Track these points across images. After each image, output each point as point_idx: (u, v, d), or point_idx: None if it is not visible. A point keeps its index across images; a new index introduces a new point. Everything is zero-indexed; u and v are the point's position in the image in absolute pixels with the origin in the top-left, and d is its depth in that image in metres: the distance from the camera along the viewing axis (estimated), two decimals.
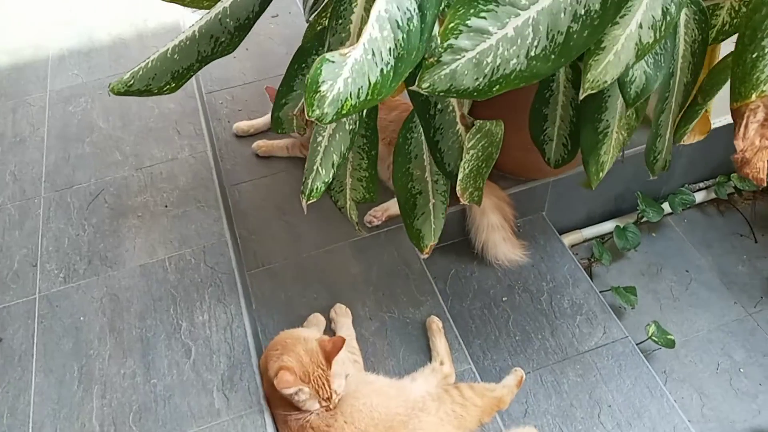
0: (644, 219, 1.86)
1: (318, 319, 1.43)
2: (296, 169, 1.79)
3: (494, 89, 0.89)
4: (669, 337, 1.60)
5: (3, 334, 1.33)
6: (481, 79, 0.88)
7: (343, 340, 1.20)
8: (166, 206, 1.55)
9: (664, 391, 1.45)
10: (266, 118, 1.91)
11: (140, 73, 1.17)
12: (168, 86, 1.20)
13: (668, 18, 0.90)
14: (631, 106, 0.95)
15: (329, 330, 1.43)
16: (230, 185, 1.71)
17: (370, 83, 0.85)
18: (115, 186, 1.61)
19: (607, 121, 1.12)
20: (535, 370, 1.48)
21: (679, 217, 1.94)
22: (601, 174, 1.18)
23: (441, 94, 0.89)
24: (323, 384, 1.15)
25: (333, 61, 0.84)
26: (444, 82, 0.88)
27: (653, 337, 1.59)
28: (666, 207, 1.89)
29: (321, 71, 0.83)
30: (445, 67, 0.87)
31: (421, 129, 1.20)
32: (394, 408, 1.21)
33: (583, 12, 0.85)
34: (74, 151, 1.70)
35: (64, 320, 1.35)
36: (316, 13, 1.31)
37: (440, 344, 1.38)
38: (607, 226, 1.90)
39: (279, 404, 1.21)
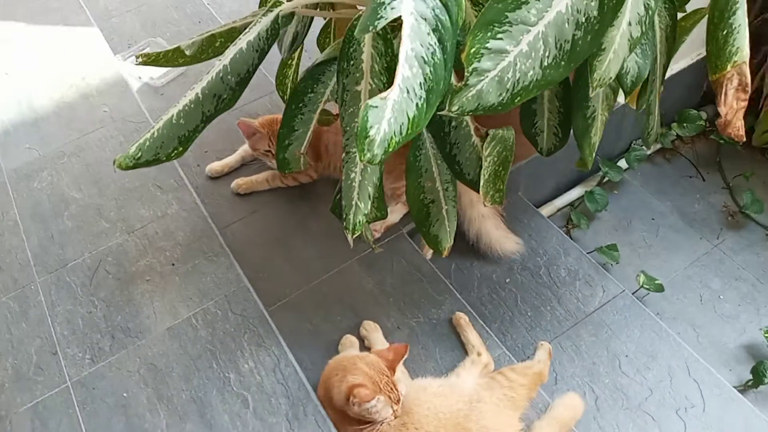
0: (606, 180, 2.02)
1: (351, 341, 1.48)
2: (280, 199, 1.82)
3: (516, 101, 0.98)
4: (657, 282, 1.76)
5: (46, 430, 1.30)
6: (504, 94, 0.96)
7: (407, 347, 1.27)
8: (173, 264, 1.55)
9: (669, 331, 1.61)
10: (237, 155, 1.92)
11: (147, 144, 1.17)
12: (176, 151, 1.20)
13: (650, 12, 1.02)
14: (629, 93, 1.07)
15: (364, 348, 1.48)
16: (220, 229, 1.71)
17: (408, 119, 0.92)
18: (112, 255, 1.58)
19: (594, 106, 1.24)
20: (553, 339, 1.60)
21: (633, 172, 2.12)
22: (593, 154, 1.30)
23: (469, 113, 0.96)
24: (392, 389, 1.21)
25: (376, 106, 0.89)
26: (472, 102, 0.95)
27: (644, 285, 1.75)
28: (622, 164, 2.07)
29: (368, 118, 0.88)
30: (471, 88, 0.94)
31: (428, 146, 1.27)
32: (455, 405, 1.29)
33: (584, 20, 0.95)
34: (56, 228, 1.65)
35: (107, 400, 1.33)
36: (291, 51, 1.35)
37: (472, 336, 1.47)
38: (575, 193, 2.05)
39: (348, 425, 1.26)
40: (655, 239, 1.98)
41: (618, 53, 1.01)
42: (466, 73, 0.95)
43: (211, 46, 1.33)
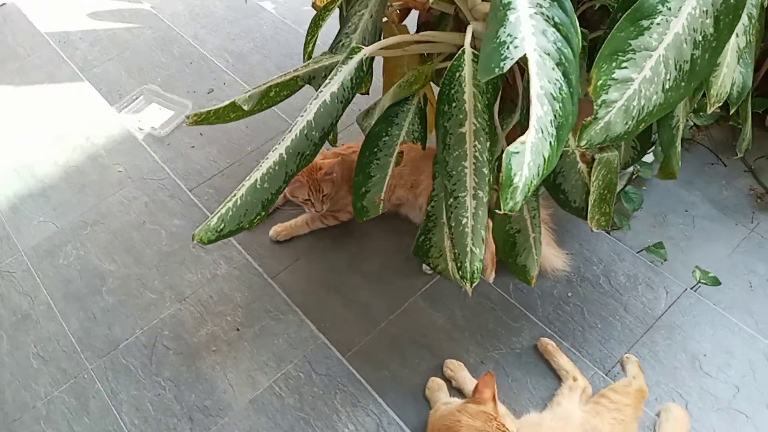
0: (635, 177, 2.02)
1: (438, 384, 1.42)
2: (322, 241, 1.74)
3: (640, 127, 0.95)
4: (711, 275, 1.77)
5: None
6: (630, 122, 0.93)
7: (492, 374, 1.20)
8: (237, 329, 1.45)
9: (739, 324, 1.62)
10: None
11: (230, 214, 1.09)
12: (258, 216, 1.12)
13: (753, 21, 1.00)
14: (735, 105, 1.05)
15: (452, 391, 1.43)
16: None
17: (544, 159, 0.87)
18: (168, 328, 1.47)
19: (677, 116, 1.22)
20: (630, 349, 1.58)
21: (657, 165, 2.13)
22: (680, 162, 1.28)
23: (596, 146, 0.93)
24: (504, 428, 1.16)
25: (517, 152, 0.84)
26: (600, 135, 0.92)
27: (701, 281, 1.75)
28: (648, 158, 2.07)
29: (511, 165, 0.83)
30: (600, 121, 0.91)
31: None
32: None
33: (701, 38, 0.92)
34: (96, 306, 1.53)
35: None
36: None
37: (563, 361, 1.43)
38: None
39: None
40: (693, 231, 1.99)
41: (730, 66, 0.99)
42: (595, 107, 0.91)
43: (266, 97, 1.25)
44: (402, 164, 1.75)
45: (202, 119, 1.27)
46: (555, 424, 1.27)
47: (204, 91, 2.24)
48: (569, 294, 1.70)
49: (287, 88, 1.23)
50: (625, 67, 0.90)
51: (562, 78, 0.89)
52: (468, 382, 1.42)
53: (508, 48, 0.87)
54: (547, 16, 0.89)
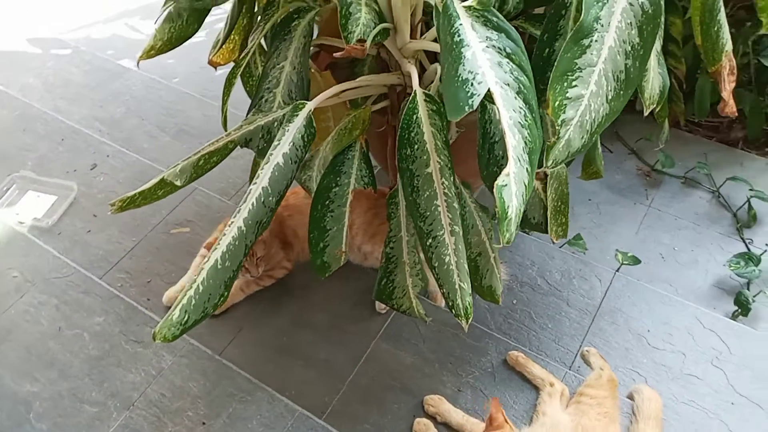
0: None
1: (425, 424, 1.39)
2: (261, 304, 1.65)
3: (593, 139, 0.99)
4: (630, 255, 1.90)
5: None
6: (585, 136, 0.97)
7: (496, 400, 1.20)
8: (203, 423, 1.32)
9: (665, 294, 1.75)
10: (193, 272, 1.70)
11: (193, 302, 0.99)
12: (222, 298, 1.04)
13: (668, 23, 1.09)
14: (659, 104, 1.13)
15: (439, 427, 1.40)
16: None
17: (525, 186, 0.89)
18: None
19: None
20: (583, 342, 1.65)
21: None
22: (602, 161, 1.36)
23: (561, 163, 0.96)
24: None
25: (505, 185, 0.85)
26: (563, 152, 0.95)
27: (624, 262, 1.88)
28: None
29: (503, 199, 0.84)
30: (561, 140, 0.94)
31: (469, 201, 1.23)
32: None
33: (630, 48, 0.99)
34: None
35: None
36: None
37: (536, 370, 1.46)
38: None
39: None
40: (600, 217, 2.13)
41: (654, 70, 1.07)
42: (557, 127, 0.94)
43: (197, 167, 1.16)
44: (307, 201, 1.70)
45: (128, 204, 1.16)
46: None
47: (86, 168, 2.04)
48: (514, 301, 1.74)
49: (219, 154, 1.15)
50: (576, 85, 0.94)
51: (524, 105, 0.91)
52: (453, 413, 1.40)
53: (472, 85, 0.87)
54: (499, 48, 0.91)
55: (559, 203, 1.18)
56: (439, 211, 1.01)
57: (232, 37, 1.49)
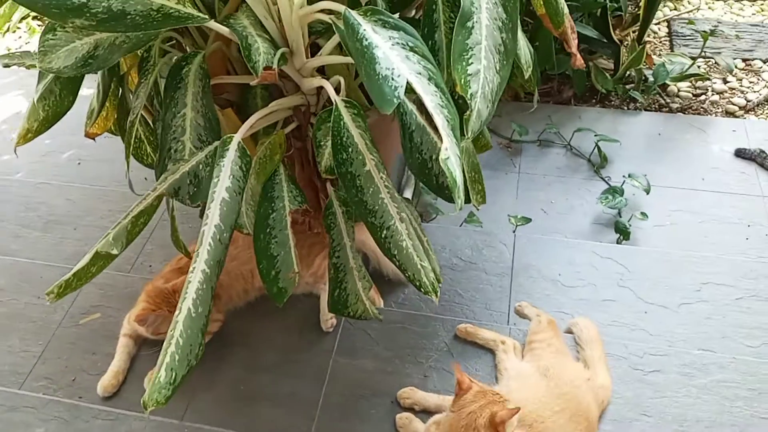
0: None
1: (407, 416, 1.44)
2: (200, 362, 1.59)
3: (494, 107, 1.12)
4: (520, 216, 2.11)
5: None
6: (489, 106, 1.10)
7: (457, 363, 1.26)
8: None
9: (561, 240, 1.96)
10: (123, 353, 1.60)
11: (177, 358, 0.99)
12: (201, 348, 1.03)
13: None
14: (529, 71, 1.29)
15: (420, 415, 1.45)
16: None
17: (458, 157, 0.99)
18: None
19: None
20: (511, 300, 1.79)
21: None
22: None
23: (476, 134, 1.08)
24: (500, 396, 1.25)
25: (447, 157, 0.95)
26: (476, 123, 1.07)
27: (518, 224, 2.08)
28: None
29: (451, 170, 0.94)
30: (473, 112, 1.06)
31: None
32: (542, 387, 1.38)
33: (501, 24, 1.14)
34: None
35: None
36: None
37: (486, 334, 1.58)
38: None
39: None
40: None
41: (523, 40, 1.23)
42: (468, 101, 1.06)
43: (132, 230, 1.13)
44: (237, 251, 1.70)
45: (65, 288, 1.10)
46: (519, 385, 1.40)
47: None
48: (439, 285, 1.85)
49: (147, 213, 1.13)
50: (472, 62, 1.06)
51: (437, 89, 1.02)
52: (428, 398, 1.47)
53: (393, 79, 0.96)
54: (403, 44, 1.01)
55: (473, 173, 1.31)
56: (385, 203, 1.08)
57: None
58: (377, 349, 1.60)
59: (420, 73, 0.99)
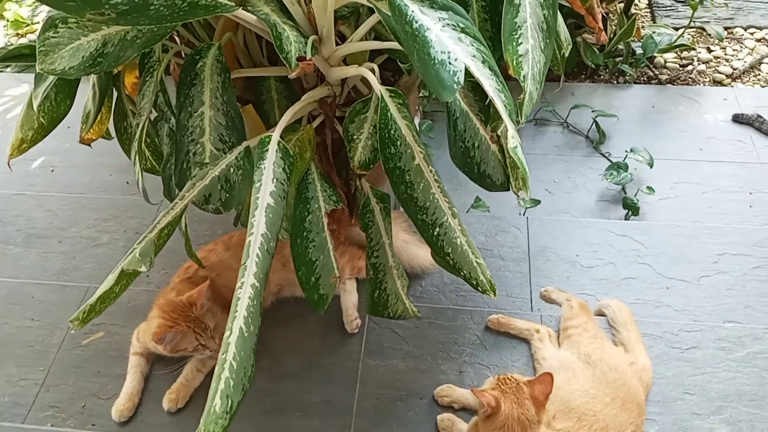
0: None
1: (448, 418, 1.38)
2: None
3: (541, 89, 1.06)
4: (529, 198, 2.06)
5: None
6: (538, 87, 1.04)
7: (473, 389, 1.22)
8: None
9: (573, 220, 1.93)
10: (136, 373, 1.49)
11: (231, 383, 0.90)
12: (253, 369, 0.93)
13: None
14: (568, 48, 1.23)
15: (460, 413, 1.40)
16: None
17: (519, 143, 0.93)
18: None
19: None
20: (532, 286, 1.74)
21: None
22: None
23: (528, 117, 1.02)
24: None
25: (515, 146, 0.88)
26: (528, 107, 1.01)
27: (527, 206, 2.03)
28: None
29: (520, 157, 0.87)
30: (525, 95, 1.00)
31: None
32: (588, 377, 1.34)
33: (542, 0, 1.07)
34: None
35: None
36: None
37: (520, 323, 1.53)
38: None
39: None
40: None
41: (559, 20, 1.17)
42: (521, 83, 0.99)
43: (158, 243, 1.02)
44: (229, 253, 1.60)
45: (89, 313, 1.00)
46: (564, 377, 1.35)
47: None
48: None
49: (175, 222, 1.03)
50: (521, 42, 1.00)
51: (491, 73, 0.95)
52: (467, 395, 1.41)
53: (450, 63, 0.88)
54: (453, 25, 0.93)
55: (514, 161, 1.24)
56: (437, 198, 1.01)
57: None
58: (407, 348, 1.53)
59: (474, 56, 0.92)
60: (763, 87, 2.51)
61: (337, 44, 1.15)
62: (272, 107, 1.26)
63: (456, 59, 0.88)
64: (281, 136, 1.10)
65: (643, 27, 2.79)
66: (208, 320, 1.43)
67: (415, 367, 1.50)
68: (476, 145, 1.16)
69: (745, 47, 2.66)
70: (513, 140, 0.87)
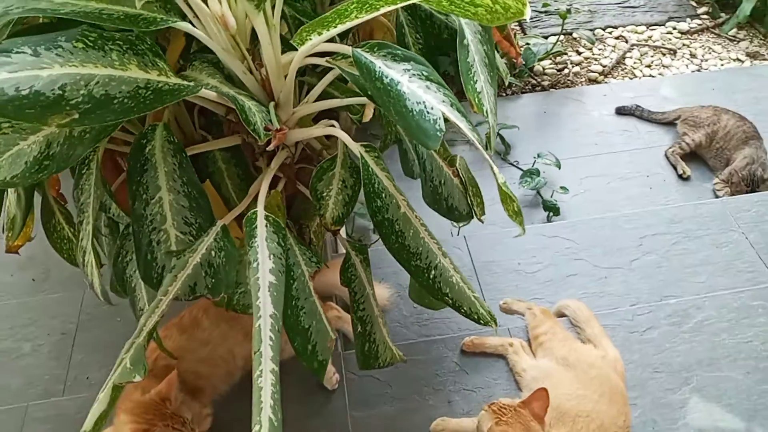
0: None
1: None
2: None
3: (496, 119, 1.11)
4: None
5: None
6: (494, 119, 1.08)
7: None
8: None
9: (506, 230, 2.02)
10: None
11: None
12: None
13: None
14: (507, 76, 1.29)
15: None
16: None
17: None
18: None
19: None
20: (488, 300, 1.79)
21: None
22: None
23: (493, 149, 1.06)
24: None
25: (504, 181, 0.91)
26: (493, 139, 1.05)
27: (459, 225, 2.09)
28: None
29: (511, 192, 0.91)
30: (491, 128, 1.04)
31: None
32: (571, 382, 1.40)
33: (480, 37, 1.12)
34: None
35: None
36: None
37: (492, 341, 1.57)
38: None
39: None
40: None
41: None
42: (485, 117, 1.03)
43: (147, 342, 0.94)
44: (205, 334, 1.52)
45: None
46: (549, 384, 1.39)
47: None
48: (414, 306, 1.80)
49: (160, 321, 0.95)
50: (476, 80, 1.04)
51: (460, 114, 0.97)
52: (463, 423, 1.42)
53: (428, 112, 0.90)
54: (420, 75, 0.95)
55: (473, 188, 1.28)
56: (426, 242, 1.02)
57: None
58: (391, 392, 1.52)
59: (444, 101, 0.94)
60: (632, 79, 2.78)
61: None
62: (222, 178, 1.21)
63: (432, 108, 0.90)
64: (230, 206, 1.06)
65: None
66: (185, 412, 1.33)
67: (404, 409, 1.49)
68: (442, 182, 1.18)
69: (608, 45, 2.93)
70: (501, 176, 0.90)
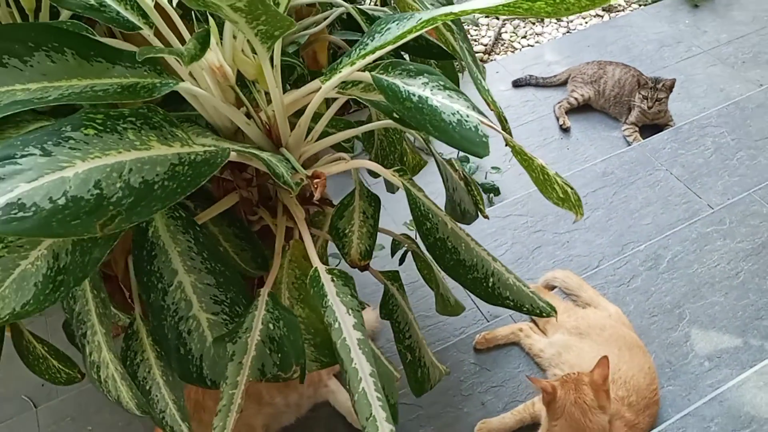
0: None
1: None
2: None
3: None
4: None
5: None
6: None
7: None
8: None
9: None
10: None
11: None
12: None
13: None
14: None
15: None
16: None
17: None
18: None
19: None
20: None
21: None
22: None
23: None
24: None
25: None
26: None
27: (411, 228, 2.07)
28: None
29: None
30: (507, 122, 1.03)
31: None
32: (592, 346, 1.43)
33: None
34: None
35: None
36: None
37: (503, 332, 1.59)
38: None
39: None
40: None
41: None
42: (502, 115, 1.01)
43: None
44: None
45: None
46: (573, 356, 1.43)
47: None
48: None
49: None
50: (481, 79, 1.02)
51: (482, 115, 0.95)
52: (505, 420, 1.41)
53: (467, 120, 0.87)
54: (438, 85, 0.91)
55: (474, 187, 1.26)
56: (478, 252, 0.99)
57: None
58: (424, 412, 1.47)
59: (468, 107, 0.91)
60: (514, 52, 2.92)
61: None
62: (218, 242, 1.09)
63: (468, 115, 0.87)
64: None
65: None
66: None
67: (443, 425, 1.45)
68: (455, 188, 1.15)
69: (482, 24, 3.05)
70: (550, 167, 0.89)
